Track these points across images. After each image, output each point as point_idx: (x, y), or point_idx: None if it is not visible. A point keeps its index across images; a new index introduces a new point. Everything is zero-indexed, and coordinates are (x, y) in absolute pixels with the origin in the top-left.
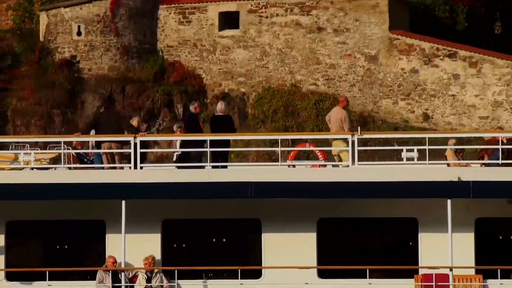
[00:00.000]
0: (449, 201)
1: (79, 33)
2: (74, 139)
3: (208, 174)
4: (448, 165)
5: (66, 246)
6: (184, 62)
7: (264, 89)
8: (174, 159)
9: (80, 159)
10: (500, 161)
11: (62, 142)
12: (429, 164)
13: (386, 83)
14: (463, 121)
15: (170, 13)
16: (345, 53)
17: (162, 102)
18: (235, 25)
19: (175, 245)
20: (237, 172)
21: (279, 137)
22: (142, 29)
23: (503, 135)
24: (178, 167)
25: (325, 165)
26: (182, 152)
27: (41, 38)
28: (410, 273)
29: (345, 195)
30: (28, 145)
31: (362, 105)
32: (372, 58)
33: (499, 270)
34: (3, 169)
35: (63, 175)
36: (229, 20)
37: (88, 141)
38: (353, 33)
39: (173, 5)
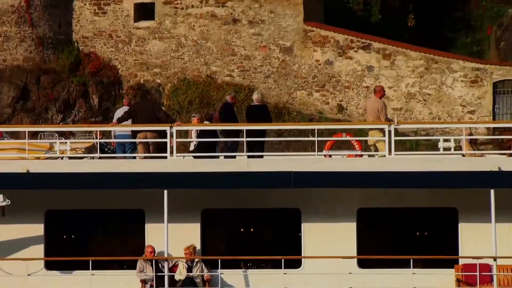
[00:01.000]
0: (492, 191)
1: None
2: (111, 128)
3: (247, 164)
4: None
5: (106, 235)
6: (99, 53)
7: (180, 80)
8: (191, 149)
9: (101, 148)
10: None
11: (98, 132)
12: (466, 154)
13: (300, 75)
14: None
15: (85, 4)
16: (260, 45)
17: (78, 93)
18: (151, 17)
19: (214, 235)
20: (275, 162)
21: (316, 127)
22: (57, 20)
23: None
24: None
25: (361, 155)
26: (199, 142)
27: None
28: (450, 263)
29: (385, 185)
30: (56, 134)
31: (277, 96)
32: (287, 49)
33: None
34: (38, 158)
35: (104, 164)
36: (144, 11)
37: (111, 131)
38: (268, 25)
39: None
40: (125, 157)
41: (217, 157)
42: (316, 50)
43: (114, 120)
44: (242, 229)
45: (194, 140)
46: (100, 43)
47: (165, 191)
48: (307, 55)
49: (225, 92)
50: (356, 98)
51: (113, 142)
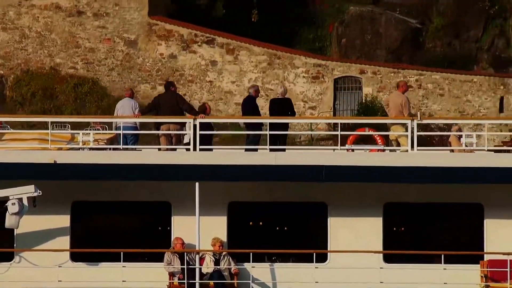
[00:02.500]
0: None
1: None
2: (135, 119)
3: (275, 157)
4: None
5: (131, 227)
6: None
7: (23, 71)
8: (186, 141)
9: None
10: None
11: (118, 123)
12: (487, 150)
13: (145, 68)
14: (220, 107)
15: None
16: (104, 37)
17: None
18: None
19: (241, 228)
20: (303, 156)
21: (339, 121)
22: None
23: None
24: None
25: (383, 150)
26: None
27: None
28: (475, 259)
29: (410, 180)
30: (68, 125)
31: (121, 89)
32: (131, 42)
33: None
34: (60, 148)
35: (131, 156)
36: None
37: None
38: (113, 18)
39: None
40: (135, 149)
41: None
42: (160, 44)
43: (118, 112)
44: (268, 222)
45: (188, 132)
46: None
47: (197, 184)
48: (151, 49)
49: (69, 84)
50: (200, 92)
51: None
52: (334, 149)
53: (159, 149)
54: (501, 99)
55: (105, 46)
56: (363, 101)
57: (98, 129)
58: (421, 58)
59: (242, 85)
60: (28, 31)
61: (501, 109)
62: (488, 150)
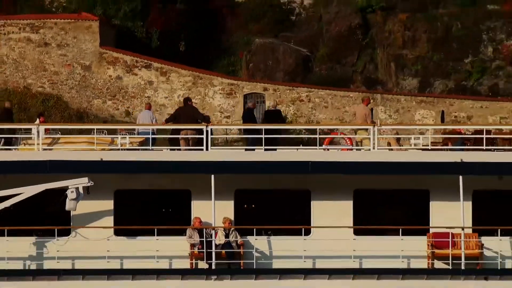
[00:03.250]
0: (461, 177)
1: None
2: (161, 127)
3: (270, 155)
4: (391, 149)
5: (161, 209)
6: None
7: (2, 90)
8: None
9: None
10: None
11: (151, 129)
12: (431, 149)
13: (97, 87)
14: (156, 117)
15: None
16: (65, 63)
17: None
18: None
19: (244, 209)
20: (291, 154)
21: (318, 127)
22: None
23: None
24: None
25: (351, 149)
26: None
27: None
28: (424, 232)
29: (373, 171)
30: (105, 131)
31: (79, 103)
32: (86, 67)
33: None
34: (103, 149)
35: (160, 154)
36: None
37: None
38: (72, 48)
39: None
40: (174, 149)
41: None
42: (109, 68)
43: (139, 120)
44: (266, 205)
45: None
46: None
47: (212, 176)
48: (102, 72)
49: (38, 99)
50: (140, 105)
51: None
52: (315, 149)
53: (179, 149)
54: (371, 110)
55: (66, 70)
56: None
57: (124, 134)
58: (310, 79)
59: (173, 99)
60: (6, 58)
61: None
62: (420, 149)
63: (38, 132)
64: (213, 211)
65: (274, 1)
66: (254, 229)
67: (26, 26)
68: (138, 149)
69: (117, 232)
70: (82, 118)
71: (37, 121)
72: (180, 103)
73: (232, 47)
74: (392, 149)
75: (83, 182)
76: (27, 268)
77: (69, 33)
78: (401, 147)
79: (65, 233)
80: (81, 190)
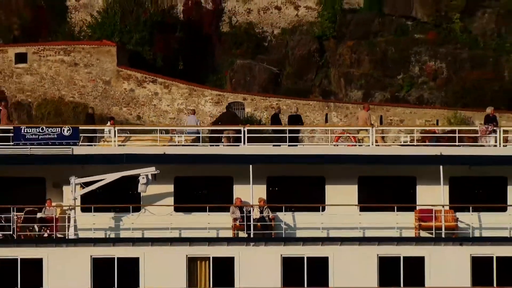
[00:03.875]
0: (441, 166)
1: None
2: (210, 128)
3: (293, 149)
4: (378, 145)
5: (211, 190)
6: None
7: (42, 99)
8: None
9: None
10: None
11: (200, 130)
12: (416, 145)
13: (115, 97)
14: (161, 120)
15: None
16: (91, 79)
17: None
18: (25, 61)
19: (274, 191)
20: (310, 148)
21: (329, 128)
22: None
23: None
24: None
25: (355, 145)
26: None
27: None
28: (412, 209)
29: (373, 162)
30: (164, 131)
31: (101, 110)
32: (107, 82)
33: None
34: (164, 145)
35: (208, 149)
36: (20, 57)
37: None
38: (95, 67)
39: None
40: (218, 145)
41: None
42: (124, 82)
43: (188, 123)
44: (290, 188)
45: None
46: None
47: (250, 166)
48: (119, 85)
49: (70, 107)
50: (148, 111)
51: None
52: (327, 145)
53: (224, 145)
54: (326, 115)
55: (91, 84)
56: (245, 116)
57: (174, 133)
58: (279, 91)
59: (173, 107)
60: (45, 75)
61: (326, 121)
62: (407, 145)
63: (114, 132)
64: (251, 192)
65: (251, 31)
66: (283, 207)
67: (60, 50)
68: (192, 145)
69: (177, 209)
70: (103, 121)
71: (108, 123)
72: (179, 109)
73: (219, 66)
74: (379, 145)
75: (151, 170)
76: (108, 237)
77: (93, 56)
78: (385, 143)
79: (137, 209)
80: (149, 177)
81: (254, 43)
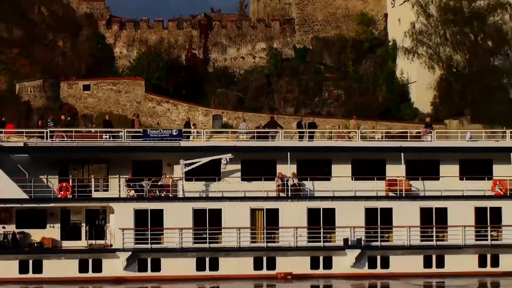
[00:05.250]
0: (402, 153)
1: None
2: (260, 130)
3: (311, 143)
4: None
5: (263, 168)
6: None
7: (99, 113)
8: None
9: None
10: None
11: (256, 131)
12: (386, 140)
13: (144, 111)
14: (173, 126)
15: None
16: (128, 101)
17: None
18: (89, 89)
19: (301, 169)
20: (322, 142)
21: (332, 130)
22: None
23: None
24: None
25: (350, 140)
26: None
27: None
28: (384, 178)
29: (358, 151)
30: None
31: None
32: (138, 102)
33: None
34: (233, 140)
35: (262, 142)
36: (86, 87)
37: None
38: (131, 93)
39: None
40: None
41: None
42: (149, 103)
43: (241, 127)
44: (311, 166)
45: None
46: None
47: (289, 153)
48: (146, 104)
49: (116, 118)
50: (164, 120)
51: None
52: (331, 140)
53: (269, 140)
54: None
55: (128, 104)
56: (223, 123)
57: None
58: (244, 108)
59: (179, 117)
60: (100, 98)
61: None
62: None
63: (203, 132)
64: (289, 169)
65: (226, 71)
66: (307, 178)
67: (110, 83)
68: (250, 140)
69: (243, 179)
70: (121, 124)
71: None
72: (182, 120)
73: (207, 93)
74: (364, 140)
75: (228, 156)
76: (202, 196)
77: (130, 86)
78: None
79: (219, 179)
80: (227, 160)
81: (228, 79)
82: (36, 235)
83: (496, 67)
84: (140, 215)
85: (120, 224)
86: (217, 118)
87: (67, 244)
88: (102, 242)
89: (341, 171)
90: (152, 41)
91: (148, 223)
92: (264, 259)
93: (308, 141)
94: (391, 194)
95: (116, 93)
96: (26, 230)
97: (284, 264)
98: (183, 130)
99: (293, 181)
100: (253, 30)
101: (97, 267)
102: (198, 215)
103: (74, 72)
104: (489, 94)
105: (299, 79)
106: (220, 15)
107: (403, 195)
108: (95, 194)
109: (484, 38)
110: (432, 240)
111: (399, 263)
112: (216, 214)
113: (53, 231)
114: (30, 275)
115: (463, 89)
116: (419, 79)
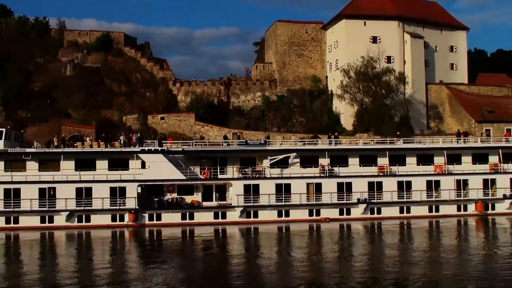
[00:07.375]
0: (387, 151)
1: None
2: (291, 139)
3: (331, 144)
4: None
5: (310, 161)
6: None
7: (170, 133)
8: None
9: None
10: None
11: (306, 141)
12: (377, 143)
13: (193, 131)
14: (195, 137)
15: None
16: (182, 123)
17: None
18: (163, 119)
19: (332, 160)
20: (342, 145)
21: (327, 140)
22: None
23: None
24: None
25: (357, 144)
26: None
27: None
28: (376, 166)
29: (348, 151)
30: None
31: (192, 136)
32: (191, 126)
33: None
34: (295, 144)
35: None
36: (162, 118)
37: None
38: (187, 122)
39: None
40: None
41: None
42: (197, 127)
43: (292, 156)
44: (338, 159)
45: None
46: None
47: (326, 152)
48: (195, 128)
49: (182, 136)
50: (207, 137)
51: None
52: (351, 144)
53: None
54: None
55: (187, 128)
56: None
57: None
58: (249, 129)
59: (213, 134)
60: (170, 124)
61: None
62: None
63: (278, 142)
64: (326, 160)
65: (239, 108)
66: (337, 166)
67: (175, 115)
68: (304, 144)
69: (301, 167)
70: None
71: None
72: (216, 137)
73: (229, 120)
74: (365, 143)
75: (293, 154)
76: (279, 176)
77: (187, 117)
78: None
79: (287, 168)
80: (293, 157)
81: (241, 112)
82: (188, 199)
83: (387, 105)
84: (246, 187)
85: (236, 192)
86: (235, 134)
87: (206, 204)
88: (225, 202)
89: (354, 162)
90: (198, 92)
91: (251, 192)
92: (314, 210)
93: (335, 143)
94: (380, 174)
95: (178, 121)
96: (183, 196)
97: (325, 213)
98: (264, 140)
99: (328, 167)
100: (254, 85)
101: (223, 216)
102: (278, 187)
103: (155, 110)
104: (383, 120)
105: (280, 112)
106: (236, 77)
107: (388, 174)
108: (220, 176)
109: (380, 89)
110: (403, 198)
111: (387, 212)
112: (287, 186)
113: (198, 196)
114: (187, 220)
115: (369, 117)
116: (345, 112)
